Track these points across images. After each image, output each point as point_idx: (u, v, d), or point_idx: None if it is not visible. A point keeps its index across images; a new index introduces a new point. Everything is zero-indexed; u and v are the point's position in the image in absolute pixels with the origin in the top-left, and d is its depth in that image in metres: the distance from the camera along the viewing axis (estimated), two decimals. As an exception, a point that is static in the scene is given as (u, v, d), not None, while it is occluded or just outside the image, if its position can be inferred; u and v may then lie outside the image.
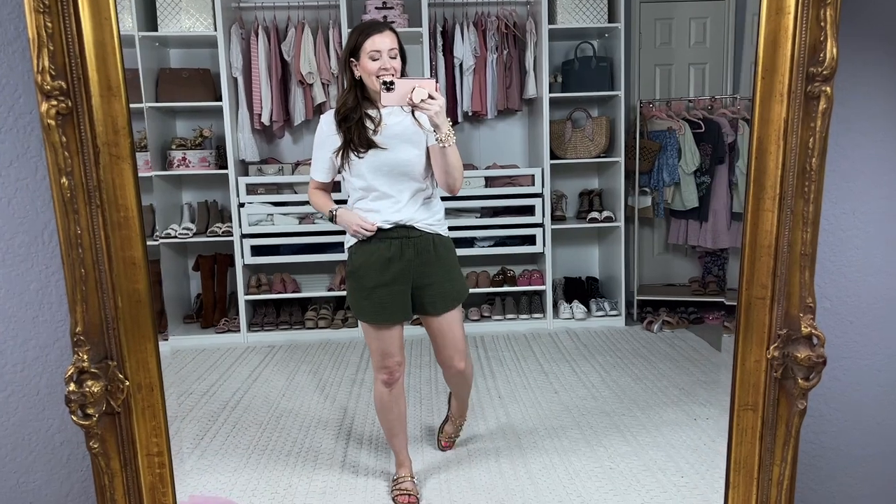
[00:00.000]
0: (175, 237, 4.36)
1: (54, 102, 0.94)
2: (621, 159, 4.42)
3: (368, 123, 2.14)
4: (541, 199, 4.44)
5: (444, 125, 1.98)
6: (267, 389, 3.51)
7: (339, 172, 2.28)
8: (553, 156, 4.50)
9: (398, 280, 2.21)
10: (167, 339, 4.38)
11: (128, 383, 1.03)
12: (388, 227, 2.18)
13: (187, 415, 3.17)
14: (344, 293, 4.47)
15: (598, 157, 4.54)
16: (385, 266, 2.19)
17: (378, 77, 2.04)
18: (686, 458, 2.63)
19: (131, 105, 1.02)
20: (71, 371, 0.99)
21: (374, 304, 2.22)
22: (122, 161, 0.97)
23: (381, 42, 2.06)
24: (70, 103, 0.95)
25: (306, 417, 3.12)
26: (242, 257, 4.35)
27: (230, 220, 4.35)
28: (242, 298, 4.39)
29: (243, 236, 4.33)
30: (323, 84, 4.38)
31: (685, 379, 3.49)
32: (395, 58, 2.08)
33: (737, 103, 4.44)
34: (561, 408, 3.16)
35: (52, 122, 0.93)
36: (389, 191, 2.15)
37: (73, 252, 0.95)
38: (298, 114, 4.43)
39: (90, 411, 1.01)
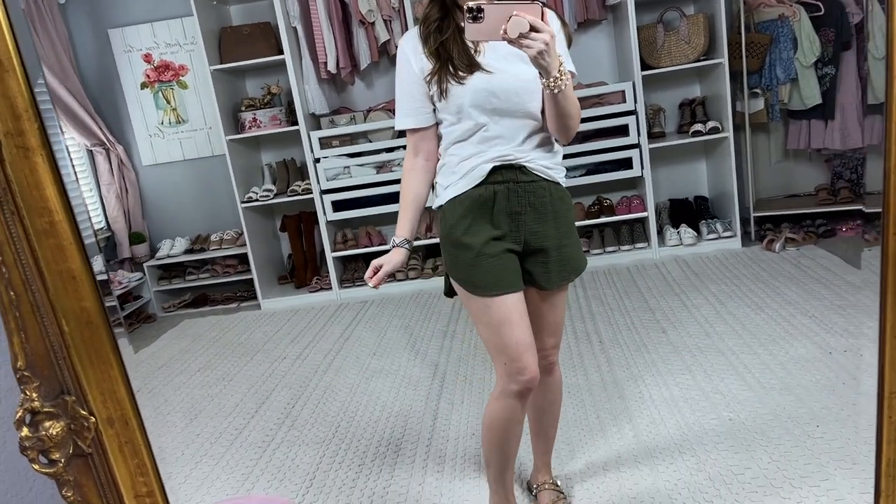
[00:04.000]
0: (257, 199, 4.32)
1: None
2: (725, 60, 3.88)
3: (469, 42, 1.57)
4: (634, 116, 3.99)
5: (552, 66, 1.40)
6: (359, 349, 3.42)
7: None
8: (645, 66, 4.02)
9: (505, 238, 1.63)
10: (259, 307, 4.40)
11: (93, 419, 0.86)
12: (490, 166, 1.60)
13: (279, 382, 3.13)
14: (431, 241, 4.30)
15: (698, 60, 4.01)
16: (487, 218, 1.62)
17: None
18: (821, 401, 2.27)
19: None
20: (20, 413, 0.83)
21: (482, 270, 1.62)
22: (32, 153, 0.78)
23: None
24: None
25: (397, 376, 3.00)
26: (325, 214, 4.24)
27: (309, 176, 4.24)
28: (330, 256, 4.31)
29: (322, 192, 4.21)
30: (385, 21, 4.10)
31: (815, 304, 3.06)
32: None
33: (863, -26, 3.75)
34: (670, 349, 2.84)
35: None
36: (502, 130, 1.59)
37: (-4, 272, 0.77)
38: (364, 57, 4.18)
39: (55, 456, 0.85)
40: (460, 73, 1.56)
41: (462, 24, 1.56)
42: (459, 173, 1.62)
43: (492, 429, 1.73)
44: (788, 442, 2.08)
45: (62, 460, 0.85)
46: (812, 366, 2.51)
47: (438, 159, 1.71)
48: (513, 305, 1.62)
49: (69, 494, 0.86)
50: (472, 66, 1.56)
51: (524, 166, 1.61)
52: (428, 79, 1.60)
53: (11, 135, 0.76)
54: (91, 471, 0.87)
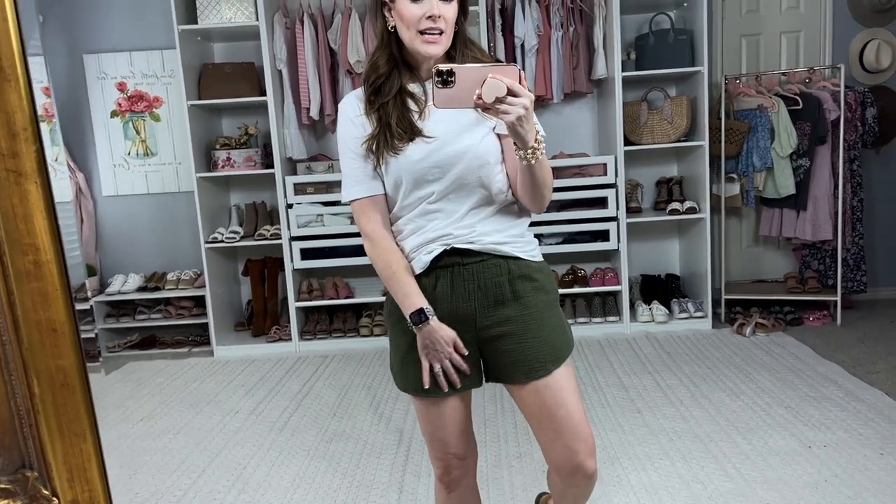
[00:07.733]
0: (222, 241, 4.14)
1: None
2: (705, 143, 3.94)
3: (411, 103, 1.41)
4: (614, 189, 4.00)
5: (530, 135, 1.25)
6: (318, 407, 3.23)
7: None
8: (627, 142, 4.05)
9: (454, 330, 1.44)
10: (213, 353, 4.17)
11: (56, 501, 0.70)
12: (430, 257, 1.42)
13: (231, 438, 2.91)
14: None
15: (678, 141, 4.07)
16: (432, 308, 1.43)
17: (423, 34, 1.34)
18: (805, 498, 2.19)
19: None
20: (-32, 491, 0.67)
21: (417, 367, 1.45)
22: (25, 180, 0.65)
23: None
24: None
25: (358, 442, 2.82)
26: (292, 261, 4.08)
27: (280, 221, 4.09)
28: (293, 305, 4.13)
29: (292, 239, 4.07)
30: (372, 73, 4.06)
31: (790, 394, 3.02)
32: (449, 0, 1.36)
33: (839, 75, 3.89)
34: (646, 431, 2.75)
35: None
36: (443, 204, 1.41)
37: (-39, 318, 0.63)
38: (347, 106, 4.12)
39: (5, 544, 0.69)
40: (396, 141, 1.38)
41: (409, 85, 1.42)
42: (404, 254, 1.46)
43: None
44: (775, 542, 1.98)
45: (12, 550, 0.69)
46: (793, 459, 2.44)
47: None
48: (439, 406, 1.48)
49: None
50: (413, 133, 1.38)
51: (468, 249, 1.41)
52: (364, 146, 1.41)
53: (4, 156, 0.64)
54: (46, 565, 0.72)
